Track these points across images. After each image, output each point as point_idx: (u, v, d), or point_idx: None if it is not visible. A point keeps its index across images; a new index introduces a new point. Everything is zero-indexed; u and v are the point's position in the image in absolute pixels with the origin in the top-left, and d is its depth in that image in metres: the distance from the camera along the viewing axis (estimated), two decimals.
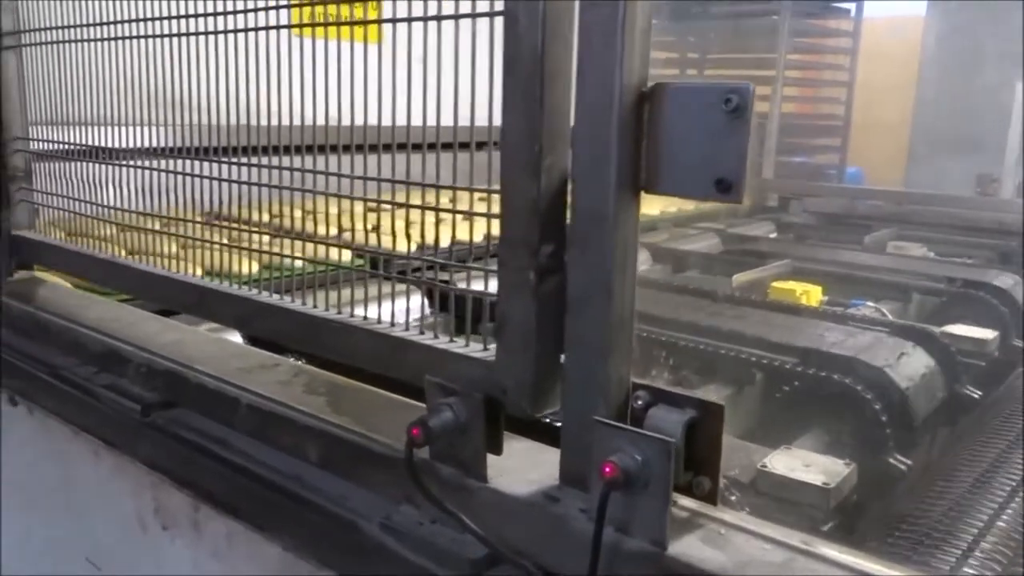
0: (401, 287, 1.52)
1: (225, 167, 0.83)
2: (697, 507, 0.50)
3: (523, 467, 0.56)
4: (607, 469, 0.46)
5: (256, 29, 0.76)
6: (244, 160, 0.82)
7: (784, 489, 0.88)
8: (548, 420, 0.55)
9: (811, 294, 1.75)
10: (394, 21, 0.61)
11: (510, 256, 0.52)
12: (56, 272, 1.15)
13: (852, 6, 4.09)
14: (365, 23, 0.68)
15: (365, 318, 0.66)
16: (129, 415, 0.79)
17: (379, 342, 0.62)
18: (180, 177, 0.89)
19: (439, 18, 0.57)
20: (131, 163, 1.01)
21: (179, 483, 0.74)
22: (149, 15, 0.91)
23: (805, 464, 0.93)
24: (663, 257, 2.06)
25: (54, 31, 1.05)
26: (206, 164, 0.85)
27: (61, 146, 1.07)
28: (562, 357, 0.52)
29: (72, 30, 1.02)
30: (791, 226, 2.76)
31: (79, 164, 1.12)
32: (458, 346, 0.58)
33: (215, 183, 0.83)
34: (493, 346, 0.56)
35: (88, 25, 1.00)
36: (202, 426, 0.74)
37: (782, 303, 1.63)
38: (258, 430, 0.69)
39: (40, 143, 1.09)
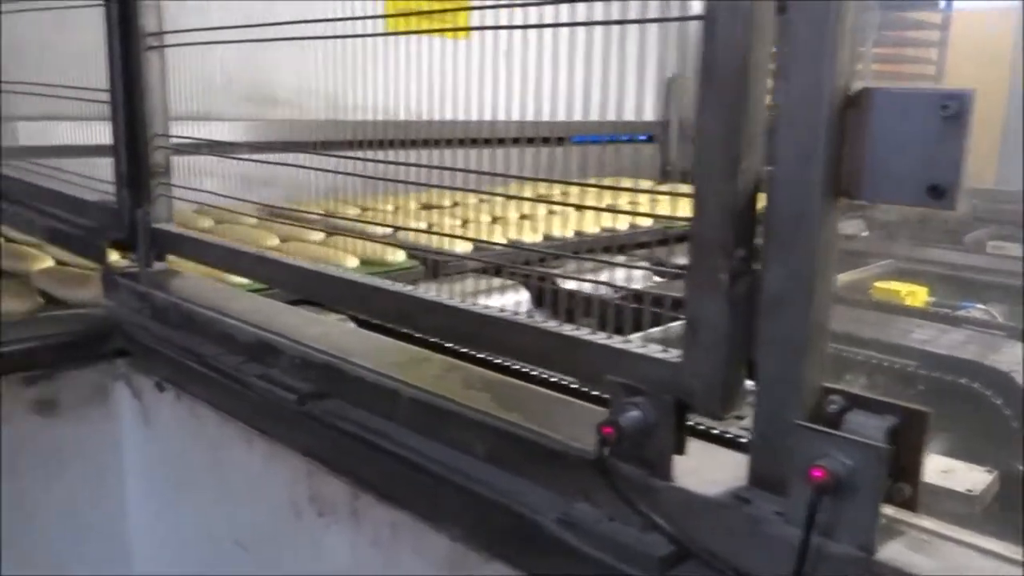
0: (501, 282, 1.54)
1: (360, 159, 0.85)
2: (894, 513, 0.50)
3: (702, 467, 0.56)
4: (817, 474, 0.46)
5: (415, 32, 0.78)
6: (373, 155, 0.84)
7: (926, 496, 0.87)
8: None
9: (916, 295, 1.71)
10: (583, 24, 0.61)
11: (702, 258, 0.53)
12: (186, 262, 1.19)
13: None
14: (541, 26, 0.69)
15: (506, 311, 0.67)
16: (283, 404, 0.82)
17: (550, 340, 0.63)
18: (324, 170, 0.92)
19: (638, 21, 0.58)
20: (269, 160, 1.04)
21: (337, 471, 0.77)
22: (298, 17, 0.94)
23: (943, 470, 0.91)
24: None
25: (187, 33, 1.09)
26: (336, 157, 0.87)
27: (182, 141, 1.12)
28: (750, 360, 0.53)
29: (204, 33, 1.06)
30: (882, 224, 2.70)
31: (205, 158, 1.17)
32: (637, 346, 0.59)
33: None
34: (652, 345, 0.57)
35: (216, 28, 1.04)
36: (358, 417, 0.76)
37: (889, 304, 1.60)
38: (420, 423, 0.71)
39: (175, 139, 1.14)
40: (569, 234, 1.83)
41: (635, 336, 0.96)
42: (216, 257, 1.05)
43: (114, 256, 1.17)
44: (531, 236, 1.76)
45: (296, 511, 0.82)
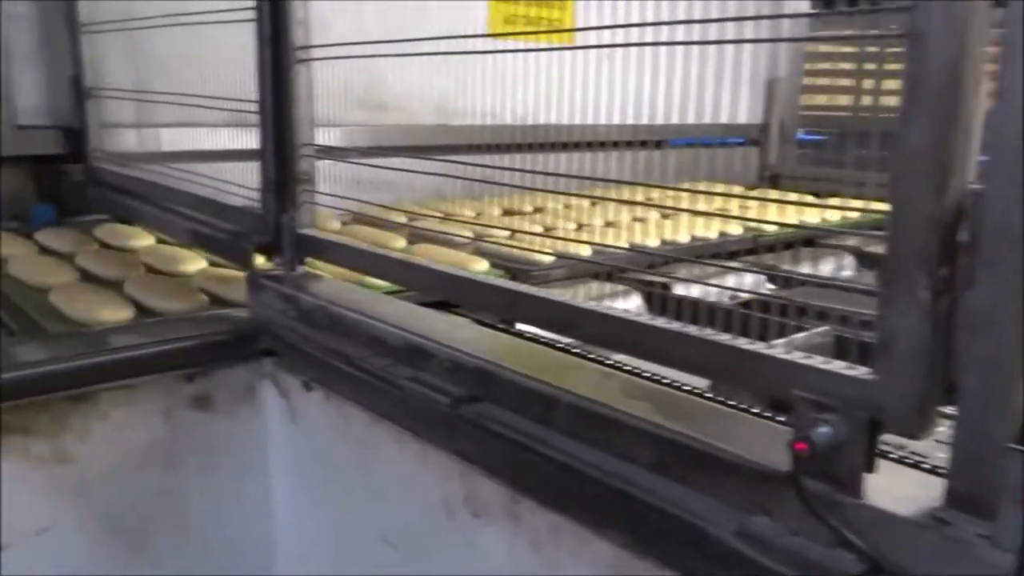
0: (612, 287, 1.54)
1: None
2: None
3: (891, 486, 0.56)
4: None
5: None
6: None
7: None
8: None
9: None
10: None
11: (900, 275, 0.52)
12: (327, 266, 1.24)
13: None
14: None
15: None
16: (435, 407, 0.85)
17: (723, 353, 0.63)
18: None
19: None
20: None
21: (494, 475, 0.79)
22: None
23: None
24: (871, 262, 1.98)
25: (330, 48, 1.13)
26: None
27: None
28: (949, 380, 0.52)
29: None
30: None
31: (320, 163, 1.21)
32: (820, 361, 0.58)
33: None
34: (836, 361, 0.57)
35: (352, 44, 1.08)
36: (511, 421, 0.78)
37: None
38: (580, 430, 0.72)
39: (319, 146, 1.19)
40: (685, 239, 1.82)
41: (778, 343, 0.96)
42: (360, 261, 1.09)
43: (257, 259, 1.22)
44: (647, 240, 1.76)
45: (449, 511, 0.85)
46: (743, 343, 0.63)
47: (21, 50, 1.75)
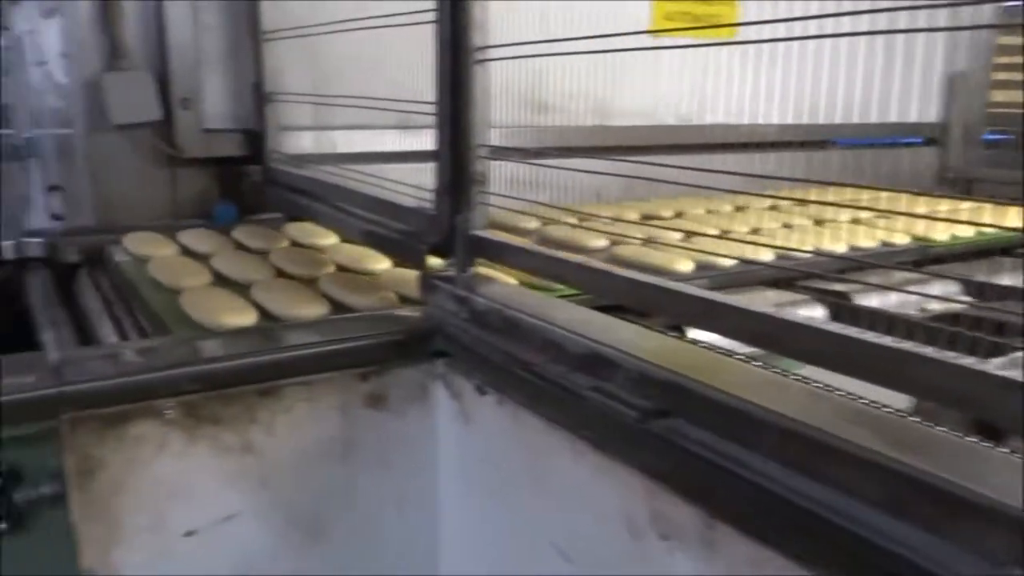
0: (792, 297, 1.45)
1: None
2: None
3: None
4: None
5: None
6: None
7: None
8: None
9: None
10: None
11: None
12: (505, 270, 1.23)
13: None
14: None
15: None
16: (619, 419, 0.81)
17: (971, 379, 0.56)
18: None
19: None
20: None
21: (686, 495, 0.74)
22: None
23: None
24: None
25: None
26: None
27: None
28: None
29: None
30: None
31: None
32: None
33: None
34: None
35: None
36: (706, 439, 0.73)
37: None
38: (790, 456, 0.66)
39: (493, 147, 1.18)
40: (873, 244, 1.70)
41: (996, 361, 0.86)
42: (536, 264, 1.07)
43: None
44: (832, 246, 1.65)
45: (632, 529, 0.81)
46: (993, 369, 0.55)
47: (210, 59, 1.85)
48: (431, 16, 1.16)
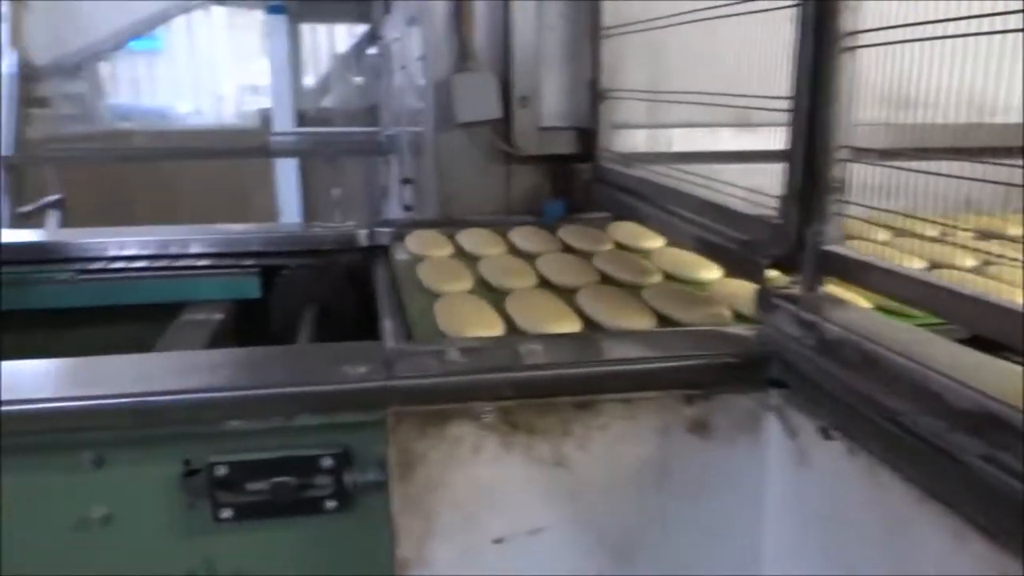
0: None
1: None
2: None
3: None
4: None
5: None
6: None
7: None
8: None
9: None
10: None
11: None
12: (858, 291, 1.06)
13: None
14: None
15: None
16: (1015, 498, 0.62)
17: None
18: None
19: None
20: None
21: None
22: None
23: None
24: None
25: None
26: None
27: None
28: None
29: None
30: None
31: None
32: None
33: None
34: None
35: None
36: None
37: None
38: None
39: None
40: None
41: None
42: (917, 294, 0.88)
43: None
44: None
45: None
46: None
47: (549, 58, 1.87)
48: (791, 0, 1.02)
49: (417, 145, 2.85)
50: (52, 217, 4.97)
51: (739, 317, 1.19)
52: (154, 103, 6.68)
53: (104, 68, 6.27)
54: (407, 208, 2.95)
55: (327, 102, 6.42)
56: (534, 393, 0.95)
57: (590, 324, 1.20)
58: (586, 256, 1.56)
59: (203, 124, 6.51)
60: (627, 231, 1.71)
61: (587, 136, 1.89)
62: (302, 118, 6.13)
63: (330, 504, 0.98)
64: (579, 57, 1.85)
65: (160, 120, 6.52)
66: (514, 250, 1.65)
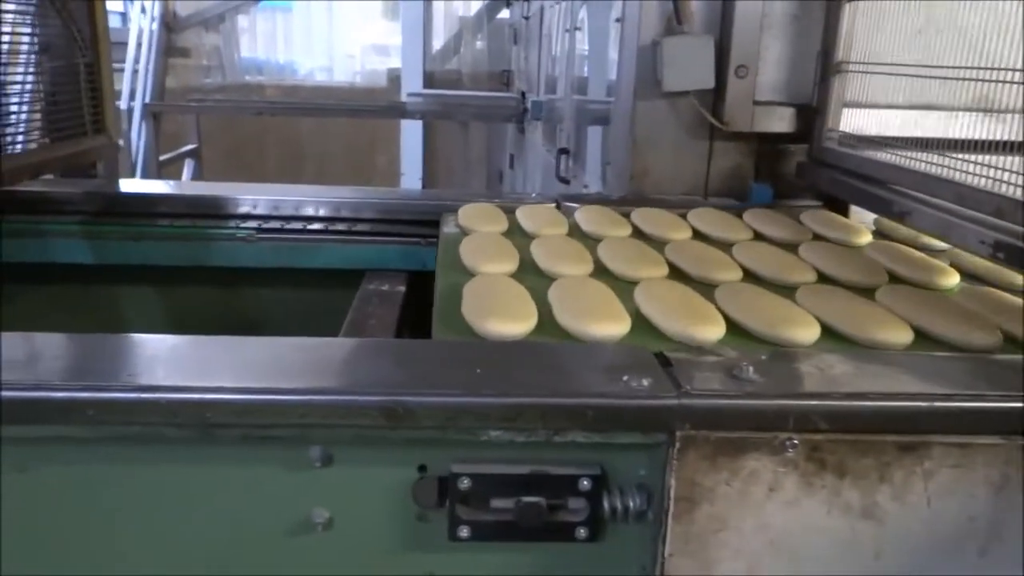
0: None
1: None
2: None
3: None
4: None
5: None
6: None
7: None
8: None
9: None
10: None
11: None
12: None
13: None
14: None
15: None
16: None
17: None
18: None
19: None
20: None
21: None
22: None
23: None
24: None
25: None
26: None
27: None
28: None
29: None
30: None
31: None
32: None
33: None
34: None
35: None
36: None
37: None
38: None
39: None
40: None
41: None
42: None
43: None
44: None
45: None
46: None
47: (774, 22, 1.65)
48: None
49: (577, 113, 2.67)
50: (188, 166, 5.05)
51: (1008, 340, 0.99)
52: (281, 59, 6.71)
53: (240, 22, 6.33)
54: (562, 180, 2.79)
55: (453, 65, 6.32)
56: (853, 427, 0.77)
57: (827, 331, 1.01)
58: (789, 248, 1.37)
59: (331, 82, 6.50)
60: (828, 221, 1.52)
61: (806, 113, 1.67)
62: (429, 80, 6.05)
63: (582, 532, 0.83)
64: (808, 24, 1.63)
65: (287, 75, 6.55)
66: (699, 235, 1.47)
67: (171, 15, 5.67)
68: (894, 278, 1.26)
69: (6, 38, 1.55)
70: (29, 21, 1.60)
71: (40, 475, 0.80)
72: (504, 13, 6.06)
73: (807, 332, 1.00)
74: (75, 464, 0.80)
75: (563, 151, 2.72)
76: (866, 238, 1.47)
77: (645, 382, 0.78)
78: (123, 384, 0.75)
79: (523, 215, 1.53)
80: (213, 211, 1.71)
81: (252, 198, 1.73)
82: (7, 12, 1.53)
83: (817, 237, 1.48)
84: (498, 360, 0.86)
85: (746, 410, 0.77)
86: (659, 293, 1.10)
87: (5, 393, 0.74)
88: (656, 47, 1.66)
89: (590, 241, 1.40)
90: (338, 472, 0.83)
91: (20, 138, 1.52)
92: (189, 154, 4.99)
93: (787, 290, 1.16)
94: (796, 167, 1.70)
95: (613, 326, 0.98)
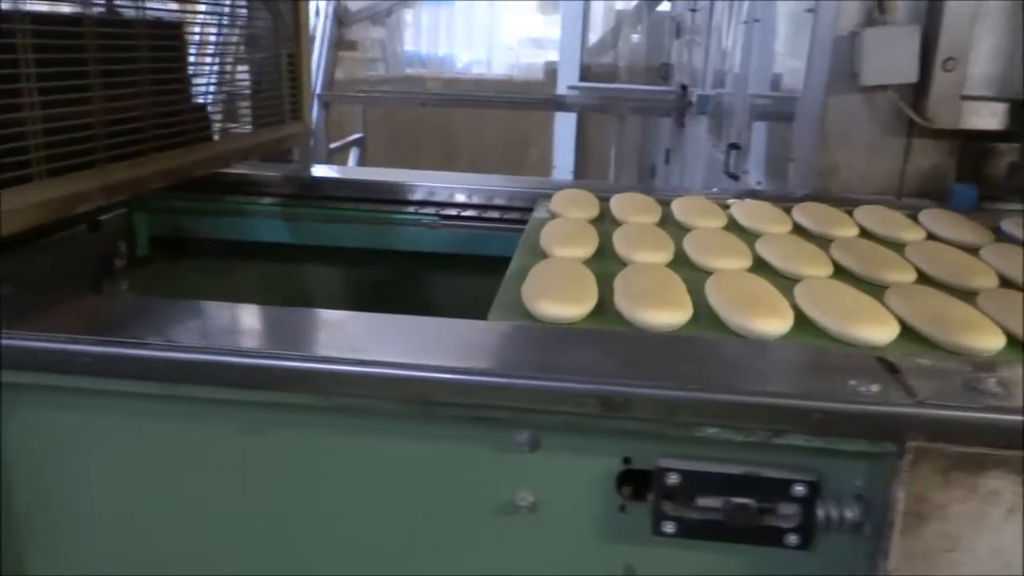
0: None
1: None
2: None
3: None
4: None
5: None
6: None
7: None
8: None
9: None
10: None
11: None
12: None
13: None
14: None
15: None
16: None
17: None
18: None
19: None
20: None
21: None
22: None
23: None
24: None
25: None
26: None
27: None
28: None
29: None
30: None
31: None
32: None
33: None
34: None
35: None
36: None
37: None
38: None
39: None
40: None
41: None
42: None
43: None
44: None
45: None
46: None
47: (990, 11, 1.53)
48: None
49: (751, 108, 2.59)
50: (353, 154, 5.27)
51: None
52: (440, 52, 6.89)
53: (404, 16, 6.55)
54: (732, 175, 2.72)
55: (608, 59, 6.29)
56: None
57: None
58: (969, 250, 1.26)
59: (489, 75, 6.62)
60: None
61: (1020, 110, 1.54)
62: (585, 73, 6.05)
63: (792, 539, 0.80)
64: None
65: (446, 68, 6.72)
66: (866, 233, 1.36)
67: (343, 9, 5.94)
68: None
69: (223, 31, 1.66)
70: (242, 14, 1.71)
71: (273, 438, 0.86)
72: (664, 6, 5.97)
73: (990, 339, 0.91)
74: (305, 429, 0.85)
75: (733, 146, 2.65)
76: None
77: (875, 388, 0.74)
78: (353, 358, 0.79)
79: (678, 207, 1.48)
80: (395, 196, 1.77)
81: (432, 185, 1.78)
82: (224, 6, 1.65)
83: (1001, 239, 1.35)
84: (714, 355, 0.84)
85: (989, 425, 0.72)
86: (823, 291, 1.04)
87: (246, 360, 0.80)
88: (854, 38, 1.58)
89: (749, 236, 1.33)
90: (544, 457, 0.84)
91: (232, 124, 1.63)
92: (355, 143, 5.21)
93: (966, 295, 1.07)
94: (1007, 168, 1.57)
95: (775, 321, 0.93)
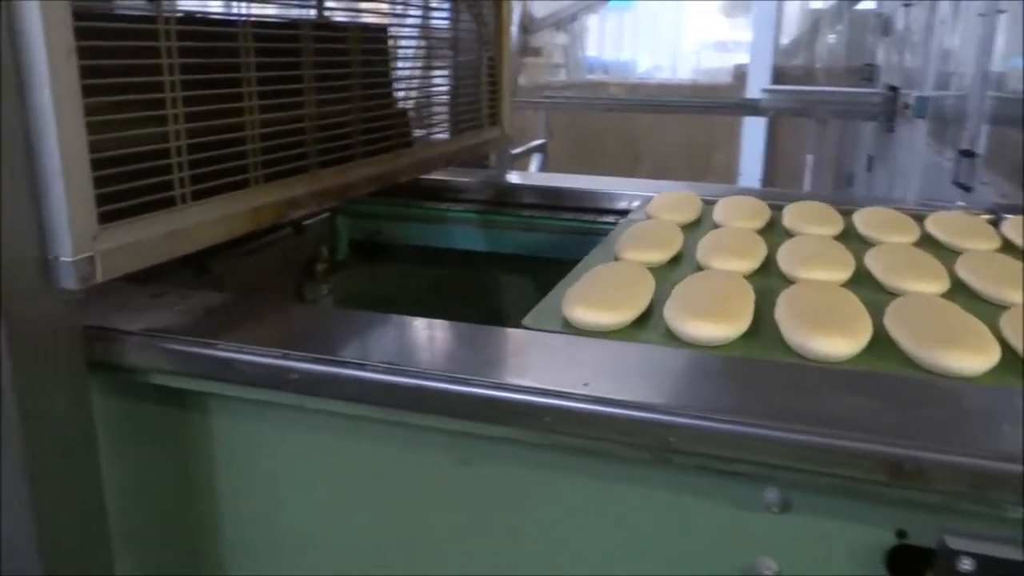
0: None
1: None
2: None
3: None
4: None
5: None
6: None
7: None
8: None
9: None
10: None
11: None
12: None
13: None
14: None
15: None
16: None
17: None
18: None
19: None
20: None
21: None
22: None
23: None
24: None
25: None
26: None
27: None
28: None
29: None
30: None
31: None
32: None
33: None
34: None
35: None
36: None
37: None
38: None
39: None
40: None
41: None
42: None
43: None
44: None
45: None
46: None
47: None
48: None
49: (991, 112, 2.30)
50: (535, 159, 5.26)
51: None
52: (622, 57, 6.78)
53: (587, 22, 6.49)
54: (962, 186, 2.43)
55: (800, 60, 5.93)
56: None
57: None
58: None
59: (673, 79, 6.43)
60: None
61: None
62: (777, 75, 5.74)
63: None
64: None
65: (627, 73, 6.60)
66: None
67: (528, 17, 5.95)
68: None
69: (427, 35, 1.64)
70: (445, 18, 1.68)
71: (482, 471, 0.79)
72: (866, 4, 5.56)
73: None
74: (517, 465, 0.77)
75: (966, 153, 2.36)
76: None
77: None
78: (583, 394, 0.70)
79: (859, 219, 1.31)
80: (597, 205, 1.68)
81: (633, 193, 1.67)
82: (431, 9, 1.62)
83: None
84: (1009, 410, 0.68)
85: None
86: None
87: (467, 389, 0.73)
88: None
89: (947, 253, 1.14)
90: (796, 521, 0.71)
91: (435, 129, 1.60)
92: (538, 148, 5.19)
93: None
94: None
95: (977, 358, 0.77)
